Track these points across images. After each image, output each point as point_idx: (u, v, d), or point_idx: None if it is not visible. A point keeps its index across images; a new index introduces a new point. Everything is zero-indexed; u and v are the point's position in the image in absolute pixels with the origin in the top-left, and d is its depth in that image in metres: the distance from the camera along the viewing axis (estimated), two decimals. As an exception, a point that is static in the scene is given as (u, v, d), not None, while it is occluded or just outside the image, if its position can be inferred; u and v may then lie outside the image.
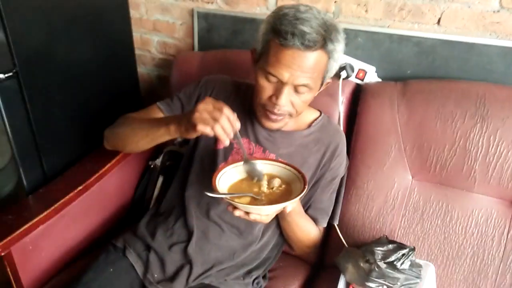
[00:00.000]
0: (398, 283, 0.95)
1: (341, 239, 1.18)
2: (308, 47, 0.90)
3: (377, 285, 0.95)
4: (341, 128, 1.25)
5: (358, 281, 0.98)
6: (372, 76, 1.33)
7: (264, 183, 0.96)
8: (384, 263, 0.97)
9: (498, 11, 1.18)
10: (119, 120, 1.17)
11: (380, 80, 1.33)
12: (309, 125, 1.14)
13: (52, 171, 1.28)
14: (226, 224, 1.10)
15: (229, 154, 1.11)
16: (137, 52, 1.70)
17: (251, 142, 1.11)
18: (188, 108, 1.14)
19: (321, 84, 1.01)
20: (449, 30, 1.25)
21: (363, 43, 1.33)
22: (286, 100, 0.97)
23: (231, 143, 0.93)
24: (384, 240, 1.06)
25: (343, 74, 1.28)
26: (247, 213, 0.88)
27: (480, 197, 1.12)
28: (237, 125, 0.89)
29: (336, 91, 1.26)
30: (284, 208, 0.91)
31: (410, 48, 1.28)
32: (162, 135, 0.99)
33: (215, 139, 0.87)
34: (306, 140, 1.12)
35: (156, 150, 1.41)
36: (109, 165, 1.28)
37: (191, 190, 1.14)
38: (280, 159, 1.06)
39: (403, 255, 0.99)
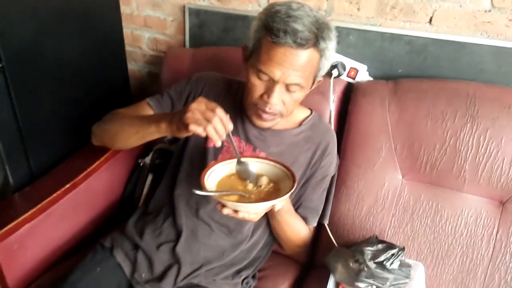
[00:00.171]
0: (388, 283, 0.95)
1: (331, 239, 1.18)
2: (300, 45, 0.89)
3: (366, 285, 0.95)
4: (332, 126, 1.24)
5: (347, 281, 0.97)
6: (363, 75, 1.32)
7: (254, 181, 0.95)
8: (374, 263, 0.97)
9: (490, 10, 1.18)
10: (107, 115, 1.15)
11: (371, 78, 1.33)
12: (300, 124, 1.13)
13: (39, 168, 1.26)
14: (216, 223, 1.09)
15: (219, 153, 1.10)
16: (127, 48, 1.69)
17: (241, 140, 1.10)
18: (178, 105, 1.13)
19: (313, 83, 1.01)
20: (440, 29, 1.25)
21: (355, 42, 1.33)
22: (278, 99, 0.96)
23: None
24: (374, 240, 1.06)
25: (335, 72, 1.27)
26: (235, 211, 0.87)
27: (470, 197, 1.12)
28: (230, 126, 0.88)
29: (327, 89, 1.26)
30: (273, 206, 0.90)
31: (401, 47, 1.28)
32: (153, 133, 0.98)
33: (206, 137, 0.86)
34: (297, 139, 1.12)
35: (146, 148, 1.39)
36: (97, 162, 1.27)
37: (180, 189, 1.12)
38: (269, 157, 1.05)
39: (392, 255, 0.98)
